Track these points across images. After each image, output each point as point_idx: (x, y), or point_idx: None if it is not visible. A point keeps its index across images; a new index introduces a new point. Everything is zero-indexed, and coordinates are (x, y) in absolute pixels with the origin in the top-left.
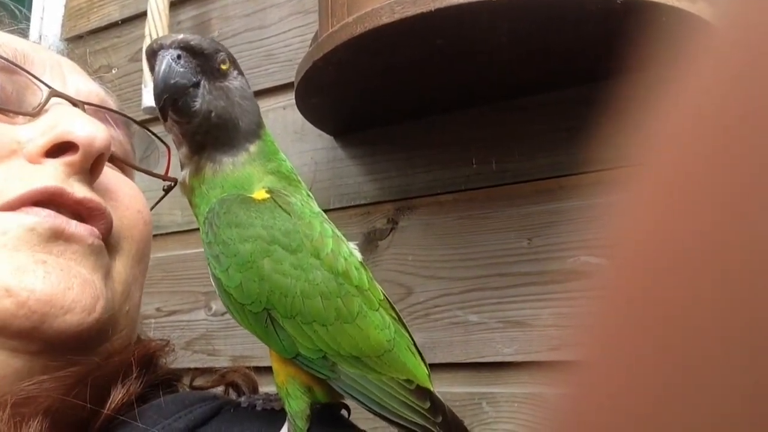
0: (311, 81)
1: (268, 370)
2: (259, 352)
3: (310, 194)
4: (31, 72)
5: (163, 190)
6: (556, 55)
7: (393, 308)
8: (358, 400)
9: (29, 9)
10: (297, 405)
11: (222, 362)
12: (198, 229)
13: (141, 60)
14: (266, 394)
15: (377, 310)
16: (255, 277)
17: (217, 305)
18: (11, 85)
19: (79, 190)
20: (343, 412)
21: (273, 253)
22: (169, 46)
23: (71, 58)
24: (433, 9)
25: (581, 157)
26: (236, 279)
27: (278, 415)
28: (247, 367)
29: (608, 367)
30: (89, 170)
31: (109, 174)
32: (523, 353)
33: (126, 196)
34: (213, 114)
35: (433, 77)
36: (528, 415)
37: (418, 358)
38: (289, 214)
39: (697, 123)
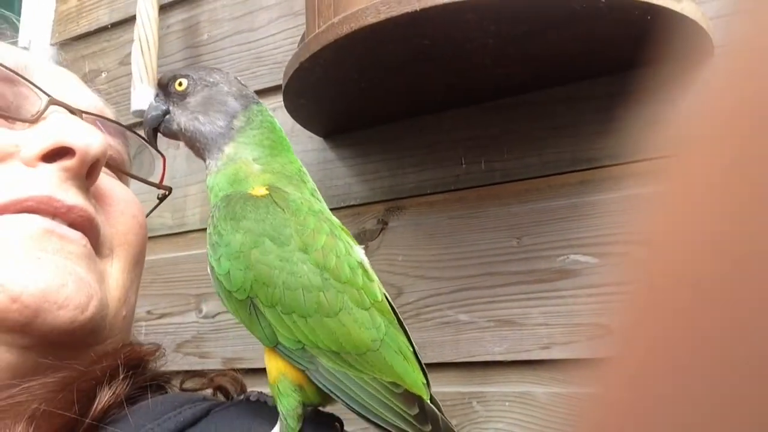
0: (299, 82)
1: (259, 372)
2: (250, 354)
3: (316, 193)
4: (32, 81)
5: (158, 198)
6: (543, 54)
7: (394, 312)
8: (337, 396)
9: (19, 13)
10: (288, 403)
11: (213, 365)
12: (188, 232)
13: (130, 64)
14: (260, 392)
15: (367, 310)
16: (242, 266)
17: (208, 307)
18: (11, 95)
19: (71, 197)
20: (337, 424)
21: (261, 245)
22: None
23: (62, 63)
24: (418, 9)
25: (569, 155)
26: (225, 267)
27: (269, 412)
28: (237, 370)
29: (638, 364)
30: (85, 176)
31: (105, 180)
32: (513, 352)
33: (121, 201)
34: (183, 129)
35: (420, 77)
36: (518, 414)
37: (414, 365)
38: (284, 210)
39: (728, 115)
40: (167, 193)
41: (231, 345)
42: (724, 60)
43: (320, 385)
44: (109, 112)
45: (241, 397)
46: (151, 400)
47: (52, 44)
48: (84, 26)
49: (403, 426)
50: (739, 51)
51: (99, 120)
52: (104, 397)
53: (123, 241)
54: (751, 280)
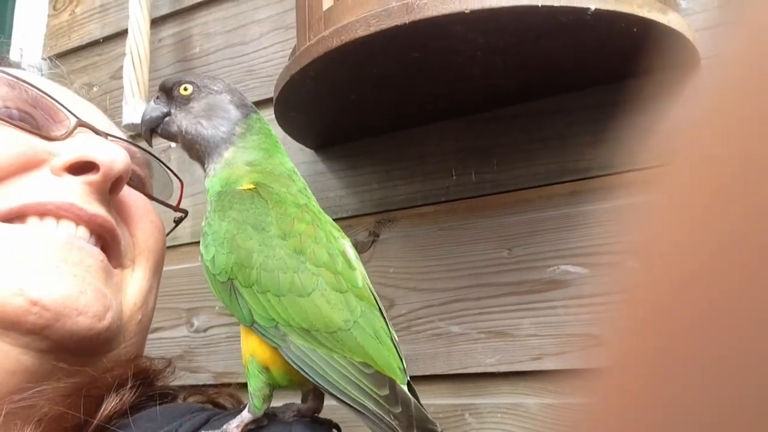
0: (289, 95)
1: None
2: (241, 369)
3: (306, 191)
4: (62, 103)
5: (174, 221)
6: (531, 66)
7: (377, 303)
8: (306, 372)
9: (11, 27)
10: (256, 384)
11: (204, 379)
12: (179, 246)
13: (122, 78)
14: None
15: (343, 293)
16: (225, 251)
17: (199, 322)
18: (39, 116)
19: (93, 207)
20: (334, 430)
21: (243, 231)
22: (157, 92)
23: (54, 77)
24: (407, 21)
25: (558, 166)
26: (211, 252)
27: (273, 421)
28: (229, 384)
29: (633, 375)
30: (108, 191)
31: (125, 190)
32: (505, 363)
33: (140, 207)
34: (184, 132)
35: (410, 89)
36: (511, 425)
37: (390, 348)
38: (267, 201)
39: (721, 125)
40: (183, 216)
41: (222, 359)
42: (714, 70)
43: (291, 362)
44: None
45: (241, 406)
46: (153, 409)
47: (43, 58)
48: (76, 40)
49: (371, 405)
50: (728, 61)
51: (122, 143)
52: (110, 404)
53: (143, 248)
54: (744, 290)
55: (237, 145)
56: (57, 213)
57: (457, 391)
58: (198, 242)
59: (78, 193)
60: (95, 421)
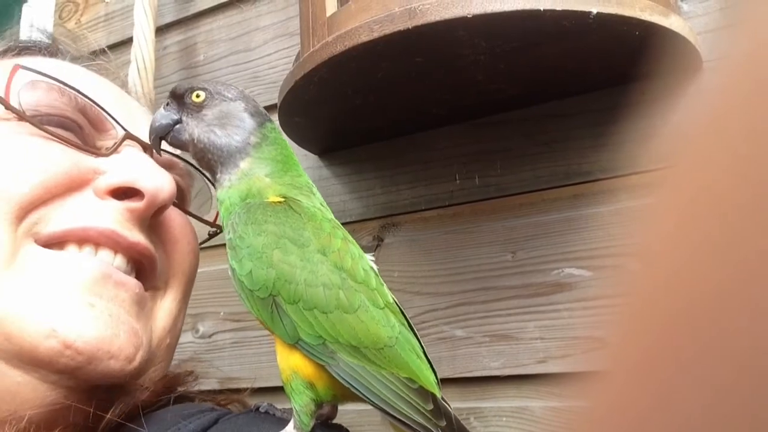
0: (293, 100)
1: (256, 391)
2: (247, 374)
3: (324, 205)
4: (109, 112)
5: (209, 234)
6: (534, 70)
7: (403, 314)
8: (356, 389)
9: (17, 35)
10: (301, 400)
11: (209, 385)
12: None
13: (127, 85)
14: (270, 404)
15: (382, 309)
16: (264, 266)
17: (204, 327)
18: (87, 126)
19: (134, 235)
20: None
21: (282, 246)
22: (167, 98)
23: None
24: (410, 27)
25: (562, 170)
26: (247, 267)
27: (277, 422)
28: (233, 390)
29: (634, 377)
30: (149, 217)
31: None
32: (509, 367)
33: (178, 230)
34: (196, 140)
35: (414, 94)
36: (516, 429)
37: (425, 363)
38: (300, 215)
39: (724, 128)
40: (218, 231)
41: (227, 365)
42: (716, 73)
43: (340, 379)
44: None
45: (249, 410)
46: (164, 410)
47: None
48: (81, 47)
49: (420, 420)
50: (731, 64)
51: (166, 155)
52: (121, 404)
53: (178, 270)
54: (746, 293)
55: (253, 155)
56: (97, 240)
57: (462, 394)
58: (203, 248)
59: (119, 219)
60: (103, 425)
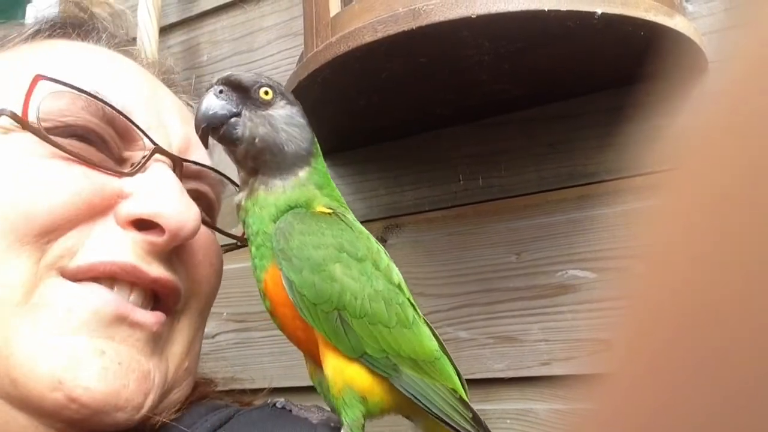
0: (297, 100)
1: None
2: (249, 375)
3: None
4: (135, 122)
5: (237, 244)
6: (538, 70)
7: (429, 326)
8: (419, 401)
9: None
10: (353, 414)
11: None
12: None
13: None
14: (287, 400)
15: (423, 323)
16: (328, 279)
17: (208, 328)
18: (113, 139)
19: (154, 269)
20: None
21: (342, 260)
22: (215, 83)
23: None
24: (414, 27)
25: (566, 171)
26: (310, 280)
27: (291, 418)
28: (237, 390)
29: (638, 379)
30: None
31: None
32: (513, 369)
33: (202, 252)
34: (256, 140)
35: (418, 95)
36: (520, 431)
37: (454, 370)
38: (351, 229)
39: (730, 131)
40: (243, 245)
41: (230, 365)
42: (722, 74)
43: (404, 392)
44: (201, 149)
45: (268, 402)
46: (180, 414)
47: None
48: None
49: (469, 428)
50: (737, 65)
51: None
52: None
53: (197, 291)
54: (756, 296)
55: (312, 165)
56: (118, 275)
57: None
58: None
59: (139, 252)
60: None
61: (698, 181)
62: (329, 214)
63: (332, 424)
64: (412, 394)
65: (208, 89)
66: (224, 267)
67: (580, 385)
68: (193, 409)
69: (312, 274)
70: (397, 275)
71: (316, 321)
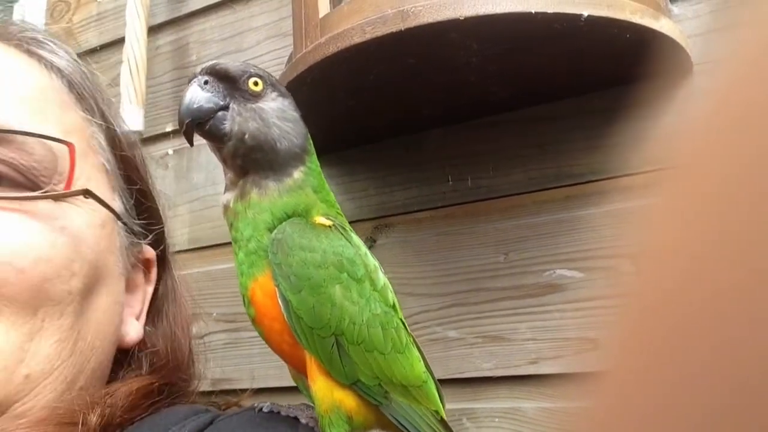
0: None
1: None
2: (238, 375)
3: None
4: None
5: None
6: (526, 72)
7: (414, 341)
8: (405, 428)
9: None
10: None
11: (202, 386)
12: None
13: (120, 85)
14: (273, 402)
15: (413, 344)
16: (327, 303)
17: (197, 328)
18: None
19: None
20: None
21: (343, 281)
22: (199, 73)
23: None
24: (402, 28)
25: (553, 172)
26: (309, 302)
27: (274, 421)
28: (225, 391)
29: (631, 378)
30: None
31: None
32: (501, 368)
33: None
34: (246, 136)
35: (406, 96)
36: (508, 429)
37: (432, 380)
38: (350, 244)
39: (718, 127)
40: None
41: (219, 366)
42: (711, 74)
43: (394, 421)
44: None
45: (254, 406)
46: (157, 414)
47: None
48: (73, 48)
49: None
50: (733, 65)
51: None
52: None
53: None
54: (750, 297)
55: (306, 164)
56: None
57: (454, 395)
58: (195, 248)
59: None
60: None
61: (694, 180)
62: (330, 226)
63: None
64: (399, 422)
65: (191, 79)
66: (215, 267)
67: (568, 384)
68: (168, 412)
69: (311, 296)
70: (391, 294)
71: (311, 345)
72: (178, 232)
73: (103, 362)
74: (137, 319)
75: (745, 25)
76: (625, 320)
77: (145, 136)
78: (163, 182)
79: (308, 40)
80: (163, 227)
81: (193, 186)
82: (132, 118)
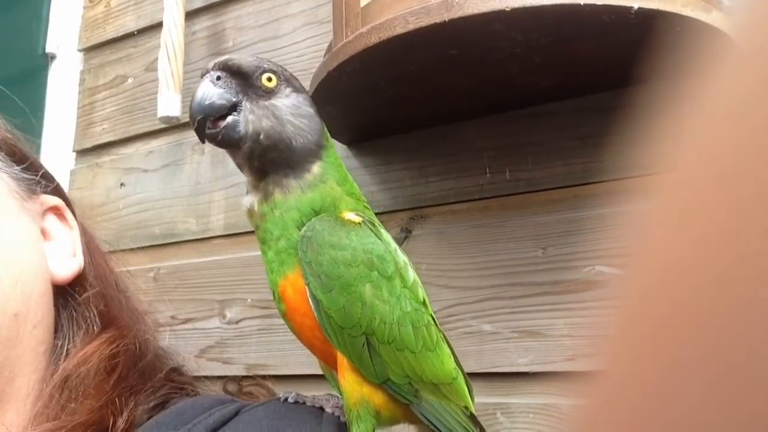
0: (325, 90)
1: (282, 378)
2: (273, 361)
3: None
4: None
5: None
6: (570, 64)
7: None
8: (434, 426)
9: (47, 19)
10: (365, 427)
11: (236, 371)
12: (212, 238)
13: (156, 70)
14: (297, 393)
15: (443, 338)
16: (358, 302)
17: (232, 313)
18: None
19: None
20: None
21: (373, 279)
22: (211, 69)
23: (89, 68)
24: (447, 19)
25: (595, 165)
26: (339, 302)
27: (299, 413)
28: (261, 376)
29: (628, 377)
30: None
31: None
32: (537, 363)
33: None
34: (261, 136)
35: (446, 86)
36: (543, 426)
37: (462, 375)
38: (381, 240)
39: (721, 131)
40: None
41: (254, 351)
42: (723, 69)
43: (424, 420)
44: None
45: (280, 396)
46: (182, 403)
47: (79, 50)
48: (111, 32)
49: None
50: (737, 60)
51: None
52: (131, 406)
53: None
54: (741, 291)
55: (324, 159)
56: None
57: (489, 389)
58: (231, 234)
59: None
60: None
61: (690, 180)
62: (360, 223)
63: (337, 419)
64: (429, 420)
65: (203, 75)
66: (249, 253)
67: (578, 381)
68: (195, 401)
69: (341, 295)
70: (421, 290)
71: (341, 344)
72: (214, 218)
73: (33, 293)
74: (73, 256)
75: (748, 24)
76: (619, 318)
77: (182, 121)
78: (198, 168)
79: (349, 29)
80: (55, 180)
81: (228, 172)
82: (169, 104)
